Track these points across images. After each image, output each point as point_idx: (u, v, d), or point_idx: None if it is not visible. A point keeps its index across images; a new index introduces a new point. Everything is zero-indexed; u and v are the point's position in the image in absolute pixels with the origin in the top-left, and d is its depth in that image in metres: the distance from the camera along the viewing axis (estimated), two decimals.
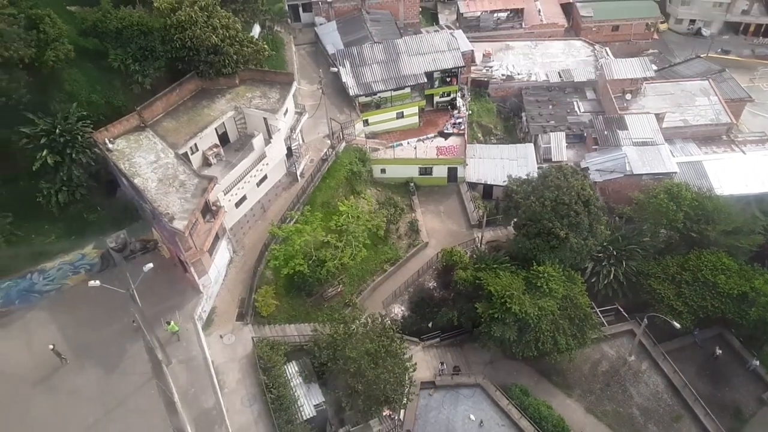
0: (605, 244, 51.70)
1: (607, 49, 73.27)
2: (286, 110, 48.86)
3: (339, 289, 49.33)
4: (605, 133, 61.18)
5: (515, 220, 51.87)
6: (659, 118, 62.81)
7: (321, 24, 68.23)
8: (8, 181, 43.17)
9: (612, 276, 51.08)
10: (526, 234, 48.97)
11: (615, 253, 51.88)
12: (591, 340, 46.80)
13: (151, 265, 35.27)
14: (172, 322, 41.79)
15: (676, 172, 57.51)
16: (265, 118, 47.55)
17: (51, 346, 39.71)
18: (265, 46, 50.05)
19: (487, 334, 45.39)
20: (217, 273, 45.43)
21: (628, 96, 67.06)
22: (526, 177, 52.42)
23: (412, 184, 59.31)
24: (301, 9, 69.43)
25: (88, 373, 39.89)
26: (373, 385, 39.61)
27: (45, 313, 42.42)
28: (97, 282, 34.26)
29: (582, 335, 45.95)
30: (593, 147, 61.13)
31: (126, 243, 44.21)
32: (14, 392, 39.10)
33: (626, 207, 56.03)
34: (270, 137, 48.19)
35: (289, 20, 68.18)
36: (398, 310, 51.08)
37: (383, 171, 58.78)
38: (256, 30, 61.20)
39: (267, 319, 45.42)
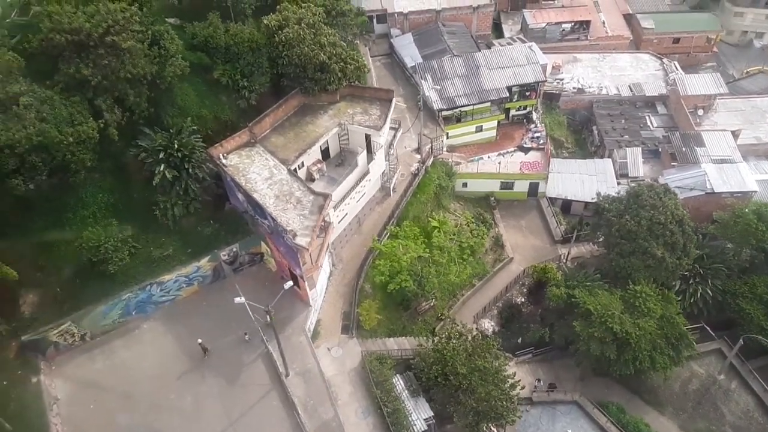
0: (692, 263, 52.37)
1: (676, 63, 73.56)
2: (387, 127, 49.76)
3: (432, 304, 50.21)
4: (683, 149, 61.57)
5: (602, 237, 52.58)
6: (735, 135, 63.29)
7: (396, 36, 68.77)
8: (124, 194, 44.12)
9: (699, 294, 51.82)
10: (620, 252, 49.67)
11: (701, 271, 52.57)
12: (684, 358, 47.51)
13: (290, 283, 36.20)
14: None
15: (756, 191, 57.98)
16: (367, 135, 48.39)
17: (199, 341, 41.45)
18: (365, 62, 50.73)
19: (584, 352, 46.21)
20: (321, 286, 46.41)
21: (701, 112, 67.47)
22: (616, 195, 53.08)
23: (493, 199, 59.98)
24: (375, 20, 70.06)
25: (210, 384, 41.03)
26: (483, 401, 40.69)
27: (160, 324, 43.58)
28: (242, 299, 35.20)
29: (677, 354, 46.69)
30: (671, 164, 61.60)
31: (237, 256, 45.21)
32: (134, 405, 40.24)
33: (709, 225, 56.57)
34: (371, 153, 49.02)
35: (364, 32, 68.75)
36: (488, 325, 51.86)
37: (465, 185, 59.44)
38: None
39: (369, 332, 46.37)
